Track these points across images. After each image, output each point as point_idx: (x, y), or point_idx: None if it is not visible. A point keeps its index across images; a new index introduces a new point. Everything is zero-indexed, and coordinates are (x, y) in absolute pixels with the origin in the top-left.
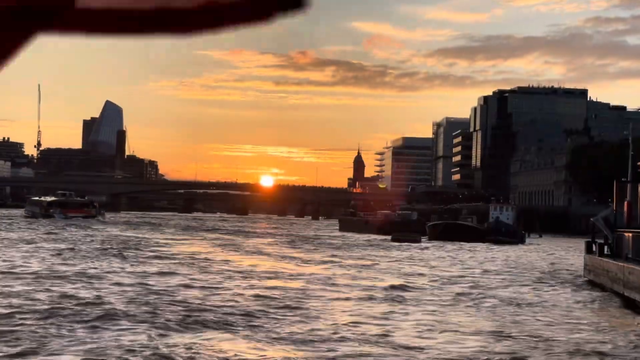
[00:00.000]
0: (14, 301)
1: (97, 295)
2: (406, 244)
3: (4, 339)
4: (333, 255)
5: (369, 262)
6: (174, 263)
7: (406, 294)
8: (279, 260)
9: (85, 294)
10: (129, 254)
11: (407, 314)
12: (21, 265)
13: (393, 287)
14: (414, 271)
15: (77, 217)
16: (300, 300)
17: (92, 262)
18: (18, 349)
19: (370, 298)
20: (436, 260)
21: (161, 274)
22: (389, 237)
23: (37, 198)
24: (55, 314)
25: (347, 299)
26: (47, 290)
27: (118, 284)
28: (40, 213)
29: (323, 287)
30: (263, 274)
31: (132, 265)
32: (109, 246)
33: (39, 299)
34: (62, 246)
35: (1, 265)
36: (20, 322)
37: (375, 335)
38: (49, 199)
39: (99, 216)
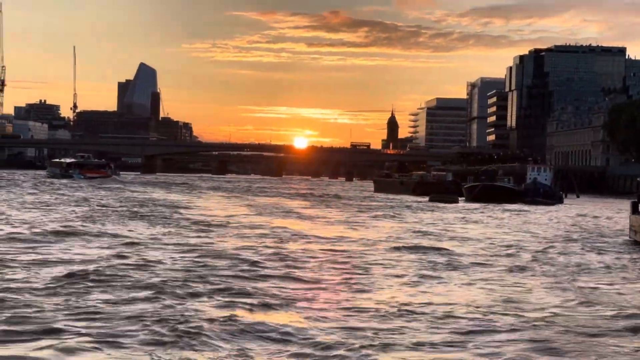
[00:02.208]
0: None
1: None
2: (445, 204)
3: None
4: (387, 216)
5: (425, 226)
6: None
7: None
8: (330, 224)
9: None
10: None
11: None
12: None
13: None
14: (463, 234)
15: (94, 178)
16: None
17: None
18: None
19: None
20: (485, 223)
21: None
22: (426, 199)
23: (57, 160)
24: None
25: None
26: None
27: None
28: (60, 173)
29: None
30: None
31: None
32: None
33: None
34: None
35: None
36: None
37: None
38: (68, 160)
39: (114, 176)
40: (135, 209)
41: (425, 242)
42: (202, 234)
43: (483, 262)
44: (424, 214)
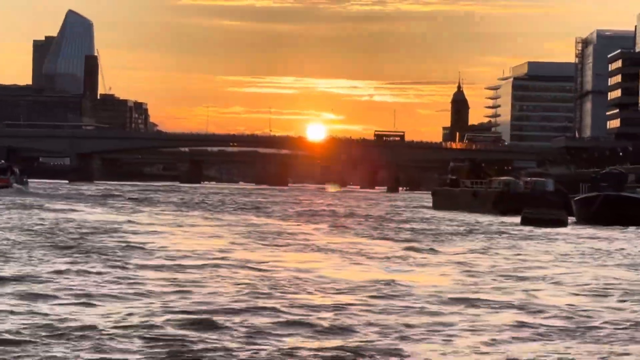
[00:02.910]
0: None
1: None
2: (546, 228)
3: None
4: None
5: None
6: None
7: None
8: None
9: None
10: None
11: None
12: None
13: None
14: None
15: None
16: None
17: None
18: None
19: None
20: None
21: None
22: (514, 218)
23: None
24: None
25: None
26: None
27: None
28: None
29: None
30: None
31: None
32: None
33: None
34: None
35: None
36: None
37: None
38: None
39: (18, 185)
40: (44, 242)
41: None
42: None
43: None
44: (528, 249)
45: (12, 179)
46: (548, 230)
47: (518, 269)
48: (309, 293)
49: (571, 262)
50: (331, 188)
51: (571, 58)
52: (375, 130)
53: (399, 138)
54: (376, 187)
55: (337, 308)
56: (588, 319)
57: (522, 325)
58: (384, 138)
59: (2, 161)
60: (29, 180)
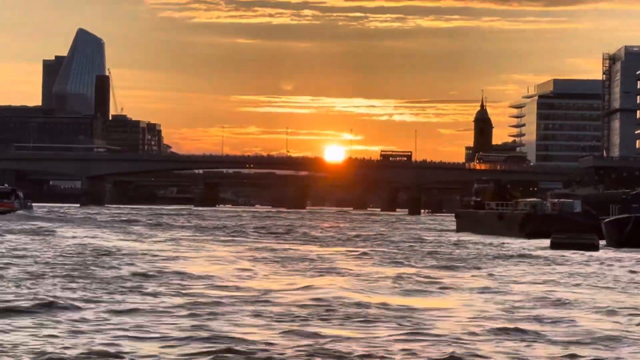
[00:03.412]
0: None
1: None
2: (576, 252)
3: None
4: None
5: None
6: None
7: None
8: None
9: None
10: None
11: None
12: None
13: None
14: None
15: None
16: None
17: None
18: None
19: None
20: None
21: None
22: (542, 241)
23: None
24: None
25: None
26: None
27: None
28: None
29: None
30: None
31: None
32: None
33: None
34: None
35: None
36: None
37: None
38: None
39: (22, 211)
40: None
41: None
42: None
43: None
44: (559, 271)
45: (16, 203)
46: (576, 253)
47: (578, 299)
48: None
49: (618, 289)
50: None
51: (598, 75)
52: (382, 151)
53: (405, 158)
54: (397, 209)
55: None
56: None
57: None
58: (390, 158)
59: (5, 185)
60: (33, 204)
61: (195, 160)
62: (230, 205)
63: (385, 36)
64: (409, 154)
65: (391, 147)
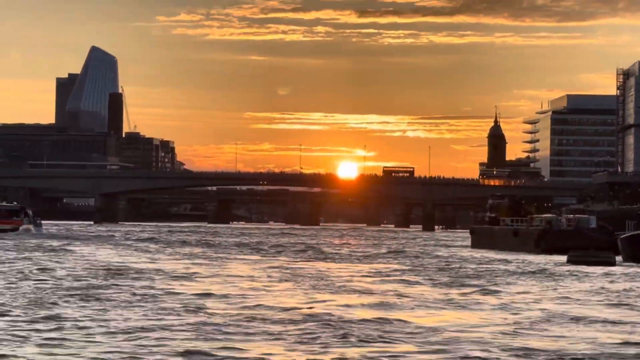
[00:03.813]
0: None
1: None
2: (593, 267)
3: None
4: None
5: None
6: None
7: None
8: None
9: None
10: None
11: None
12: None
13: None
14: None
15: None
16: None
17: None
18: None
19: None
20: None
21: None
22: (558, 257)
23: None
24: None
25: None
26: None
27: None
28: None
29: None
30: None
31: None
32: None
33: None
34: None
35: None
36: None
37: None
38: None
39: (29, 226)
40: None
41: None
42: None
43: None
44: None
45: (25, 221)
46: (595, 269)
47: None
48: None
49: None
50: None
51: (612, 90)
52: (384, 166)
53: (408, 174)
54: (411, 226)
55: None
56: None
57: None
58: (392, 174)
59: (15, 203)
60: (43, 221)
61: (209, 177)
62: (243, 222)
63: (398, 52)
64: (412, 169)
65: (406, 162)
